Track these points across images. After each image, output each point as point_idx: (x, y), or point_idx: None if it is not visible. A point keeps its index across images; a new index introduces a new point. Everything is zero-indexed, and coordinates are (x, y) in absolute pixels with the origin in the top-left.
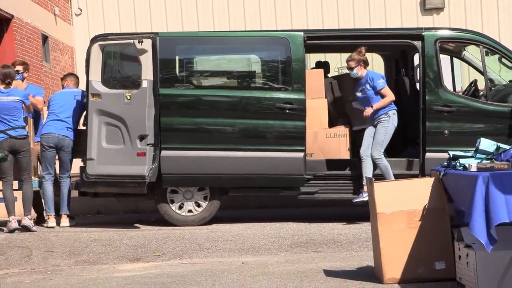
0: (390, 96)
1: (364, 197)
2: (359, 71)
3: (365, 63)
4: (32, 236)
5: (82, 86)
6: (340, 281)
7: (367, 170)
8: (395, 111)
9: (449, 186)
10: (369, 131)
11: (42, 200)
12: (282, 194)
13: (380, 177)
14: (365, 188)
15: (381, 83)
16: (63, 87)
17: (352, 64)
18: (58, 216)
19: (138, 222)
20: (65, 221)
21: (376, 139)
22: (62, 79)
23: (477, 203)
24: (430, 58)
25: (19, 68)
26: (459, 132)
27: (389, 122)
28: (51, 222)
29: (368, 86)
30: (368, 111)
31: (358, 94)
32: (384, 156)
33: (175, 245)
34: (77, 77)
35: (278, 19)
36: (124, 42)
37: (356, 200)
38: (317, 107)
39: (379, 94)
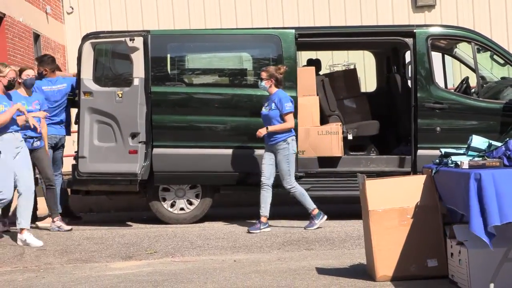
0: (290, 123)
1: (262, 229)
2: (267, 86)
3: (277, 82)
4: None
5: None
6: (333, 279)
7: (268, 200)
8: (293, 137)
9: (438, 185)
10: (268, 158)
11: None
12: (274, 192)
13: (372, 175)
14: (262, 219)
15: (288, 107)
16: (41, 78)
17: (264, 75)
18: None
19: (130, 220)
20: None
21: (282, 170)
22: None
23: (473, 202)
24: (421, 55)
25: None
26: (451, 129)
27: (289, 150)
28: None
29: (273, 105)
30: (262, 132)
31: (263, 110)
32: (295, 183)
33: (167, 243)
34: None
35: (269, 16)
36: (116, 40)
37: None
38: (308, 105)
39: (282, 118)
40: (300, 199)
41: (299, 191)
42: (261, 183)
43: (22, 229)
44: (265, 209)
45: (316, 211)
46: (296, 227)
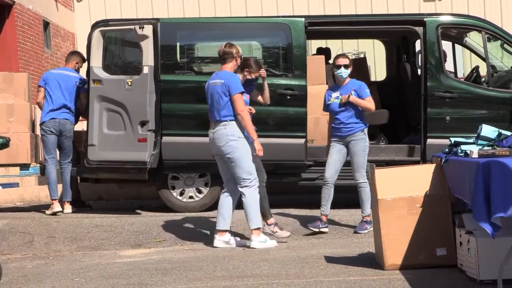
0: (373, 105)
1: (322, 228)
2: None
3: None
4: (34, 222)
5: (83, 71)
6: (341, 267)
7: (330, 198)
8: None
9: (447, 174)
10: (337, 154)
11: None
12: (283, 181)
13: (382, 163)
14: (323, 218)
15: (368, 90)
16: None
17: (348, 61)
18: (60, 202)
19: (139, 208)
20: (68, 208)
21: (358, 163)
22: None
23: (479, 190)
24: (431, 44)
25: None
26: (461, 119)
27: (366, 141)
28: (56, 207)
29: (353, 93)
30: (351, 98)
31: (333, 100)
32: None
33: (176, 231)
34: (73, 54)
35: (279, 5)
36: (125, 28)
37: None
38: (318, 94)
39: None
40: (363, 198)
41: (369, 188)
42: (325, 180)
43: (257, 229)
44: (326, 208)
45: (370, 217)
46: (305, 215)
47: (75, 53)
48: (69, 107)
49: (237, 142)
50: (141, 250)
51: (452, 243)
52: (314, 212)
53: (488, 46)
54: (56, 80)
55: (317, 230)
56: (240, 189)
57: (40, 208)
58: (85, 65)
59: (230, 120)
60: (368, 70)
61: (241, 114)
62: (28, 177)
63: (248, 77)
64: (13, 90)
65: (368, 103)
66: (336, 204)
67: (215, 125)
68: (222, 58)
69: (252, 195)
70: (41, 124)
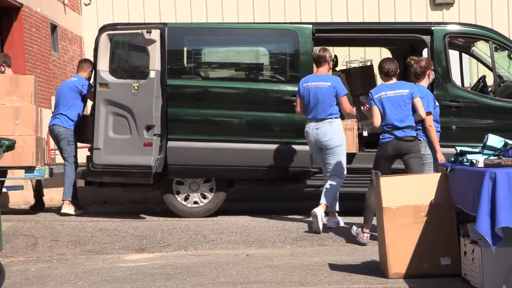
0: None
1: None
2: None
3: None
4: (38, 225)
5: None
6: (345, 275)
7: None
8: None
9: (451, 183)
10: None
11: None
12: (288, 187)
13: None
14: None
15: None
16: None
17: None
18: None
19: (143, 212)
20: (65, 208)
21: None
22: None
23: (484, 200)
24: (438, 53)
25: None
26: (467, 128)
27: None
28: (66, 208)
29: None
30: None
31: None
32: None
33: (180, 236)
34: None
35: (286, 11)
36: (133, 32)
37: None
38: None
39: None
40: None
41: None
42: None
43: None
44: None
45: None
46: (309, 222)
47: (87, 61)
48: (60, 112)
49: (341, 138)
50: (145, 255)
51: (457, 252)
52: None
53: (495, 56)
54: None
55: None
56: (331, 178)
57: (44, 210)
58: None
59: (335, 118)
60: (375, 78)
61: (350, 113)
62: (33, 180)
63: None
64: (20, 93)
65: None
66: (340, 212)
67: (318, 122)
68: (317, 61)
69: (339, 184)
70: None
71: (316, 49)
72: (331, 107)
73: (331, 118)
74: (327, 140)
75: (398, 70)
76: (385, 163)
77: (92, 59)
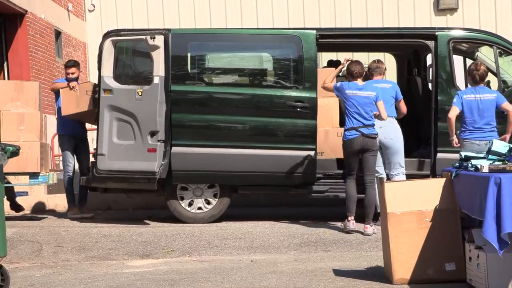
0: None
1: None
2: None
3: None
4: (42, 231)
5: (94, 81)
6: (349, 281)
7: None
8: None
9: (456, 188)
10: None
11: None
12: (292, 193)
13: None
14: None
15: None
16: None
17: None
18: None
19: (147, 218)
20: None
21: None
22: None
23: (489, 205)
24: (443, 58)
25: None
26: None
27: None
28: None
29: None
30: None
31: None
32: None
33: (184, 242)
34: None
35: (290, 17)
36: (137, 38)
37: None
38: (328, 106)
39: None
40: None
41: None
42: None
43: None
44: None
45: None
46: (314, 228)
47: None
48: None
49: (399, 135)
50: (149, 261)
51: (462, 258)
52: (323, 225)
53: (499, 61)
54: None
55: None
56: (395, 173)
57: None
58: (96, 74)
59: (394, 118)
60: None
61: (405, 113)
62: (38, 186)
63: None
64: (24, 99)
65: None
66: (345, 217)
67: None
68: (374, 71)
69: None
70: None
71: (373, 60)
72: (390, 109)
73: (392, 117)
74: (391, 139)
75: (364, 72)
76: (355, 159)
77: (96, 65)
